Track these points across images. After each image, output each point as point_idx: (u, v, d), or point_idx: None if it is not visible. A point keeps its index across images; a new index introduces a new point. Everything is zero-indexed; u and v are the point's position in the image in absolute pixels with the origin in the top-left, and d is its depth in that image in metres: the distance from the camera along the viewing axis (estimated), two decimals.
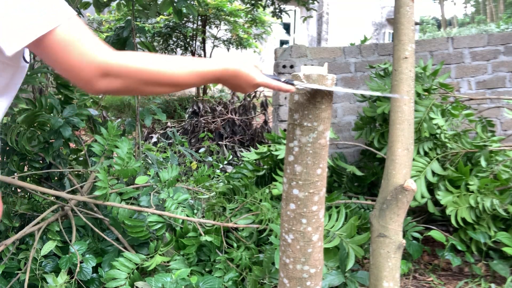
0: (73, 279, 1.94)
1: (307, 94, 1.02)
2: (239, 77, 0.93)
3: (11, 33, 0.69)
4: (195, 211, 2.44)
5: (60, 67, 0.76)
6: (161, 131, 5.88)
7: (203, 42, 8.66)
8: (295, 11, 12.92)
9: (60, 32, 0.73)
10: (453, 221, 2.25)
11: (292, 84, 1.01)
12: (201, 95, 8.34)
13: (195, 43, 8.59)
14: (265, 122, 5.96)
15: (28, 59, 0.89)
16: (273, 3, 5.40)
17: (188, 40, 8.42)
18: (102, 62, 0.76)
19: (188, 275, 1.89)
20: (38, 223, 2.16)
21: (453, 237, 2.36)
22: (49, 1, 0.72)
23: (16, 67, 0.85)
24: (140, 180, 2.35)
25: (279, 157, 2.28)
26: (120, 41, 2.97)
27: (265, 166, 2.52)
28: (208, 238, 2.06)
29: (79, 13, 3.07)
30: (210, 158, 4.97)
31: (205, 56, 8.61)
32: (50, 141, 2.43)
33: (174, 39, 8.33)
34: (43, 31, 0.71)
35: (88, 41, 0.75)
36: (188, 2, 3.06)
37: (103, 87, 0.78)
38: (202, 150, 5.12)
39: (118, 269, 1.94)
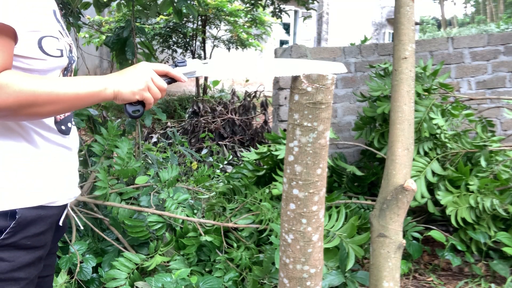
0: (73, 279, 1.94)
1: (307, 94, 1.02)
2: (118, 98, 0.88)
3: None
4: (195, 211, 2.44)
5: None
6: (161, 131, 5.88)
7: (203, 42, 8.66)
8: (295, 11, 12.92)
9: None
10: (453, 221, 2.25)
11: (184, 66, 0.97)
12: (201, 95, 8.34)
13: (195, 43, 8.59)
14: (265, 122, 5.96)
15: (54, 53, 0.89)
16: (273, 3, 5.40)
17: (188, 40, 8.42)
18: None
19: (188, 275, 1.89)
20: None
21: (453, 237, 2.36)
22: None
23: (33, 59, 0.85)
24: (140, 180, 2.35)
25: (279, 157, 2.28)
26: (120, 41, 2.98)
27: (265, 166, 2.52)
28: (208, 238, 2.06)
29: (79, 13, 3.07)
30: (210, 158, 4.97)
31: (205, 56, 8.62)
32: None
33: (174, 39, 8.33)
34: None
35: None
36: (188, 2, 3.06)
37: None
38: (204, 152, 5.12)
39: (118, 269, 1.94)
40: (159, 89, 0.92)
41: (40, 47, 0.86)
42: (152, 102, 0.92)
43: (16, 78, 0.78)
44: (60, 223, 1.03)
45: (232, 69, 1.03)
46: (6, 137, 0.87)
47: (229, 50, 8.72)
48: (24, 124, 0.88)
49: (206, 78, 8.81)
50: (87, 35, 7.38)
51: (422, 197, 2.33)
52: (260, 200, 2.25)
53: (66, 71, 0.97)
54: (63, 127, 0.97)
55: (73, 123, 1.04)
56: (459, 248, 2.29)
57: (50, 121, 0.93)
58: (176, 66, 0.98)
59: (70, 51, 0.98)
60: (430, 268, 2.42)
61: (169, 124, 6.47)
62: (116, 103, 0.91)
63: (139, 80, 0.89)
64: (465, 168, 2.34)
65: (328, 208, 2.17)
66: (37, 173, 0.90)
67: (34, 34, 0.85)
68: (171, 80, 0.96)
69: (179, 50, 8.49)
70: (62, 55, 0.91)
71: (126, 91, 0.88)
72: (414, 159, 2.30)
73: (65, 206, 1.01)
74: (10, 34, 0.79)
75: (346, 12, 13.78)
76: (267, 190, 2.28)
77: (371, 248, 1.69)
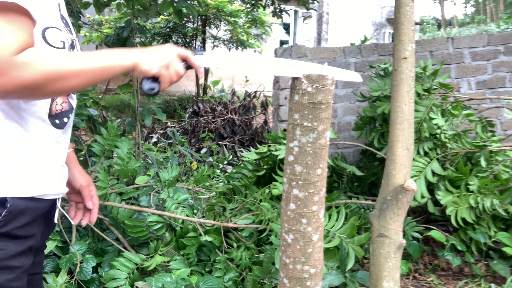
0: (73, 279, 1.94)
1: (307, 94, 1.02)
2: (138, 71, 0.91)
3: None
4: (195, 211, 2.44)
5: None
6: (161, 131, 5.88)
7: (203, 42, 8.66)
8: (295, 11, 12.92)
9: None
10: (453, 221, 2.25)
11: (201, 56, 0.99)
12: (201, 95, 8.34)
13: (195, 43, 8.59)
14: (265, 122, 5.96)
15: (57, 44, 0.90)
16: (273, 3, 5.40)
17: (188, 40, 8.43)
18: (3, 60, 0.75)
19: (188, 275, 1.89)
20: None
21: (453, 237, 2.36)
22: None
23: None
24: (140, 180, 2.35)
25: (279, 157, 2.28)
26: (120, 41, 2.98)
27: (265, 166, 2.52)
28: (208, 238, 2.06)
29: (80, 13, 3.07)
30: (210, 158, 4.97)
31: None
32: None
33: (174, 39, 8.33)
34: None
35: None
36: (188, 2, 3.06)
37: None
38: (203, 151, 5.12)
39: (118, 269, 1.94)
40: (176, 73, 0.95)
41: (44, 38, 0.87)
42: (168, 82, 0.95)
43: (41, 54, 0.80)
44: (55, 220, 1.04)
45: (247, 64, 1.04)
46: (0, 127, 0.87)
47: (229, 51, 8.73)
48: (19, 115, 0.89)
49: (206, 78, 8.81)
50: (87, 33, 7.39)
51: (422, 197, 2.33)
52: (260, 200, 2.25)
53: None
54: (57, 121, 0.97)
55: (71, 119, 1.04)
56: (459, 248, 2.29)
57: (44, 113, 0.94)
58: (194, 53, 1.00)
59: (72, 46, 0.99)
60: (430, 268, 2.42)
61: (169, 124, 6.47)
62: (133, 74, 0.93)
63: (161, 57, 0.92)
64: (465, 168, 2.34)
65: (328, 208, 2.17)
66: (28, 164, 0.91)
67: (38, 24, 0.86)
68: (188, 66, 0.99)
69: None
70: (64, 47, 0.92)
71: (145, 63, 0.90)
72: (414, 159, 2.30)
73: (54, 201, 1.02)
74: (28, 15, 0.81)
75: (346, 12, 13.78)
76: (267, 190, 2.28)
77: (371, 248, 1.69)
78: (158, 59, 0.92)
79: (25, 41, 0.79)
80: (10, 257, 0.88)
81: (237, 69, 1.03)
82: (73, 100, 1.04)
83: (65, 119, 1.00)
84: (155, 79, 0.94)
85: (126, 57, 0.89)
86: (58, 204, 1.05)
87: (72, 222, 1.23)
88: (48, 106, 0.95)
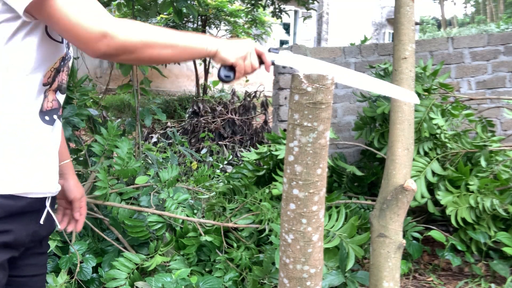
0: (73, 279, 1.94)
1: (307, 94, 1.02)
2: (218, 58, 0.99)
3: None
4: (195, 211, 2.44)
5: (60, 27, 0.83)
6: (161, 131, 5.88)
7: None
8: (295, 11, 12.92)
9: None
10: (453, 221, 2.25)
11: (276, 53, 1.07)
12: (201, 95, 8.35)
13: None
14: (265, 122, 5.96)
15: (57, 38, 0.93)
16: (273, 3, 5.40)
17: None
18: (102, 23, 0.83)
19: (188, 275, 1.89)
20: None
21: (453, 237, 2.36)
22: None
23: (39, 40, 0.88)
24: (140, 180, 2.35)
25: (279, 157, 2.28)
26: None
27: (265, 166, 2.52)
28: (208, 238, 2.06)
29: None
30: (210, 158, 4.97)
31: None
32: None
33: None
34: None
35: (89, 4, 0.83)
36: (188, 2, 3.06)
37: (102, 49, 0.84)
38: (204, 151, 5.12)
39: (118, 269, 1.94)
40: (251, 66, 1.03)
41: (46, 31, 0.90)
42: (242, 73, 1.03)
43: (133, 23, 0.89)
44: (41, 221, 1.00)
45: (311, 66, 1.10)
46: None
47: None
48: (7, 109, 0.88)
49: (206, 78, 8.81)
50: None
51: (422, 197, 2.33)
52: (260, 200, 2.25)
53: (63, 62, 0.98)
54: (47, 118, 0.96)
55: (60, 118, 1.03)
56: (459, 248, 2.29)
57: (35, 108, 0.93)
58: (269, 51, 1.07)
59: (68, 45, 1.00)
60: (430, 268, 2.42)
61: (169, 124, 6.47)
62: (214, 61, 1.01)
63: (241, 48, 1.01)
64: (465, 168, 2.34)
65: (328, 208, 2.17)
66: (8, 160, 0.89)
67: None
68: (261, 61, 1.07)
69: None
70: (62, 42, 0.95)
71: (226, 52, 0.99)
72: (414, 159, 2.30)
73: (40, 200, 0.98)
74: None
75: (346, 12, 13.78)
76: (267, 190, 2.28)
77: (371, 248, 1.69)
78: (238, 50, 1.00)
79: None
80: None
81: (304, 70, 1.07)
82: (61, 99, 1.03)
83: (54, 116, 0.99)
84: (231, 68, 1.02)
85: (212, 42, 0.97)
86: (47, 204, 1.02)
87: (59, 226, 1.21)
88: (40, 102, 0.94)
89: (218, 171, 4.43)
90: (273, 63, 1.07)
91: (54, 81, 0.98)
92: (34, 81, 0.91)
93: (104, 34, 0.83)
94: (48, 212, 1.03)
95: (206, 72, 8.79)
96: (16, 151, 0.90)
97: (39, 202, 0.98)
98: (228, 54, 0.99)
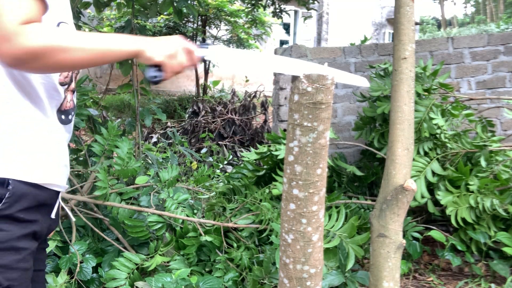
0: (73, 279, 1.94)
1: (307, 94, 1.02)
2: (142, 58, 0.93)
3: None
4: (195, 211, 2.44)
5: None
6: (161, 131, 5.88)
7: (203, 42, 8.66)
8: (295, 11, 12.92)
9: None
10: (453, 221, 2.25)
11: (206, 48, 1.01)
12: (201, 95, 8.35)
13: (195, 43, 8.60)
14: (265, 122, 5.96)
15: None
16: (273, 3, 5.40)
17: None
18: (10, 27, 0.76)
19: (188, 275, 1.89)
20: None
21: (453, 237, 2.36)
22: None
23: None
24: (140, 180, 2.35)
25: (279, 157, 2.28)
26: None
27: (265, 166, 2.52)
28: (208, 238, 2.06)
29: (80, 13, 3.07)
30: (210, 158, 4.97)
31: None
32: None
33: None
34: None
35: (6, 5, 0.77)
36: (189, 2, 3.06)
37: (4, 54, 0.77)
38: (203, 151, 5.12)
39: (118, 269, 1.94)
40: (179, 64, 0.97)
41: None
42: (170, 72, 0.96)
43: (48, 28, 0.81)
44: (52, 215, 1.03)
45: (249, 60, 1.05)
46: (16, 108, 0.90)
47: None
48: (33, 101, 0.92)
49: (206, 78, 8.81)
50: (86, 30, 7.38)
51: (422, 197, 2.33)
52: (260, 200, 2.25)
53: None
54: (63, 117, 1.01)
55: (73, 118, 1.08)
56: (459, 248, 2.29)
57: (54, 106, 0.97)
58: (198, 47, 1.02)
59: None
60: (430, 268, 2.42)
61: (169, 124, 6.47)
62: (139, 61, 0.95)
63: (168, 46, 0.94)
64: (465, 168, 2.34)
65: (328, 208, 2.17)
66: (34, 152, 0.93)
67: (54, 15, 0.90)
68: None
69: None
70: None
71: (150, 51, 0.91)
72: (414, 159, 2.30)
73: (56, 194, 1.02)
74: (44, 4, 0.84)
75: (346, 12, 13.78)
76: (267, 190, 2.28)
77: (371, 248, 1.69)
78: (164, 48, 0.93)
79: (34, 16, 0.80)
80: (16, 238, 0.90)
81: (239, 65, 1.03)
82: (75, 100, 1.08)
83: (70, 116, 1.04)
84: (159, 68, 0.95)
85: (132, 42, 0.90)
86: (59, 199, 1.06)
87: (73, 219, 1.25)
88: (60, 101, 0.98)
89: (218, 171, 4.42)
90: (203, 60, 1.02)
91: (72, 81, 1.01)
92: (53, 79, 0.95)
93: (5, 37, 0.76)
94: (55, 205, 1.06)
95: (206, 72, 8.79)
96: (40, 145, 0.94)
97: (54, 196, 1.02)
98: (154, 53, 0.92)
